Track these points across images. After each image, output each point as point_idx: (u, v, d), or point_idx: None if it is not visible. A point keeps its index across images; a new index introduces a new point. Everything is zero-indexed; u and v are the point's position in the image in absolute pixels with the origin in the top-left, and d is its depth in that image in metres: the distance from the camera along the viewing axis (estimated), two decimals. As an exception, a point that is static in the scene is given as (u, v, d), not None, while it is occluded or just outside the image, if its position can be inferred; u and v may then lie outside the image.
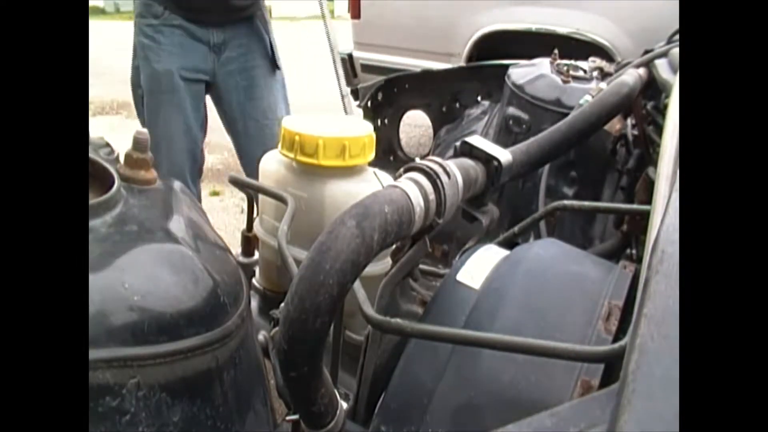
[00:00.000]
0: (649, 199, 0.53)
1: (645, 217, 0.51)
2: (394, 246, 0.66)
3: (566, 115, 0.83)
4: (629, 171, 1.06)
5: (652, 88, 0.95)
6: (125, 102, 4.82)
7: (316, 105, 3.22)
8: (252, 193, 0.77)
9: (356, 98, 2.01)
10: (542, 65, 1.32)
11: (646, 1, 2.46)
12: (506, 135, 1.32)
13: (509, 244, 0.69)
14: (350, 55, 3.28)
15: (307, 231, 0.68)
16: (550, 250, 0.58)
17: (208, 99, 1.51)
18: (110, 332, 0.38)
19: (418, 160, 0.53)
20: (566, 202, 0.71)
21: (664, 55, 0.97)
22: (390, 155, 2.07)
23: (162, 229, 0.48)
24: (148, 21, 1.38)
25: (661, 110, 0.91)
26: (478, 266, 0.57)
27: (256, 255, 0.82)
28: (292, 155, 0.71)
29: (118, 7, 11.90)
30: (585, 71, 1.27)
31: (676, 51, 0.93)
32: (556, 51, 1.34)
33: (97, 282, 0.39)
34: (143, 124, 1.43)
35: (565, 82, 1.23)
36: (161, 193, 0.54)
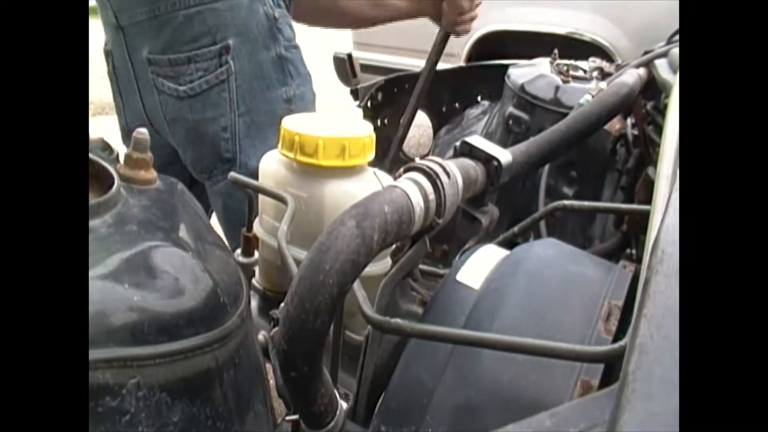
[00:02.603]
0: (649, 199, 0.53)
1: (645, 217, 0.50)
2: (394, 246, 0.67)
3: (566, 115, 0.83)
4: (629, 171, 1.06)
5: (652, 88, 0.95)
6: (125, 102, 4.81)
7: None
8: (252, 193, 0.76)
9: (356, 98, 2.00)
10: (542, 65, 1.32)
11: (645, 1, 2.46)
12: (506, 135, 1.32)
13: (509, 244, 0.69)
14: (350, 55, 3.28)
15: (307, 231, 0.68)
16: (550, 250, 0.58)
17: None
18: (110, 332, 0.38)
19: (418, 160, 0.53)
20: (566, 202, 0.71)
21: (664, 55, 0.97)
22: (390, 155, 2.06)
23: (162, 229, 0.48)
24: None
25: (661, 110, 0.91)
26: (478, 266, 0.57)
27: (256, 255, 0.82)
28: (291, 155, 0.71)
29: (118, 7, 11.87)
30: (585, 71, 1.27)
31: (676, 51, 0.93)
32: (556, 51, 1.34)
33: (97, 282, 0.39)
34: None
35: (565, 82, 1.23)
36: (161, 193, 0.54)
